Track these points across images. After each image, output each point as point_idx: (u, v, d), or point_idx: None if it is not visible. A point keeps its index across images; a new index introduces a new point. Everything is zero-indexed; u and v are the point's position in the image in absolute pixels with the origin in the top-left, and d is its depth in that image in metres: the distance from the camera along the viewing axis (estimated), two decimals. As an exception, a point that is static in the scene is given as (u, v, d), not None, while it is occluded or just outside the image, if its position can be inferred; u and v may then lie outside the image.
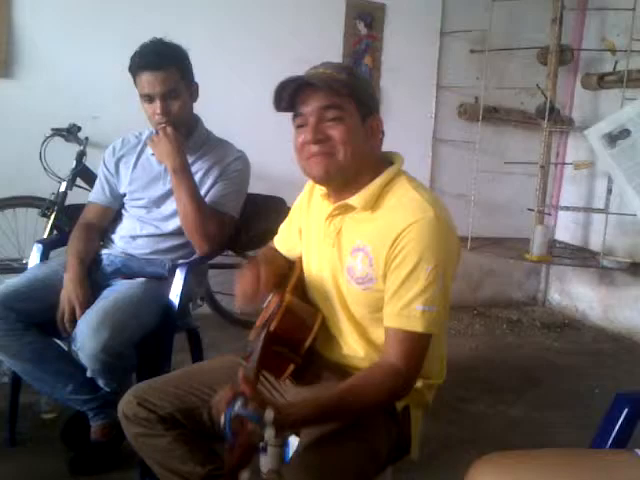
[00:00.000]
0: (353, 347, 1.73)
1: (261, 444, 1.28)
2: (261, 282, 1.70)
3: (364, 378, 1.57)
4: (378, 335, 1.66)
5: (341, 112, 1.60)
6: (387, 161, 1.73)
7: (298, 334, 1.68)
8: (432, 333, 1.56)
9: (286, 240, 2.01)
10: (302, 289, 1.85)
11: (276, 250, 2.04)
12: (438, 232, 1.55)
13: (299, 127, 1.65)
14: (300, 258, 1.92)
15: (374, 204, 1.65)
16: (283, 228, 2.03)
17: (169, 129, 2.46)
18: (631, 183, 1.67)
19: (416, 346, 1.56)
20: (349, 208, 1.68)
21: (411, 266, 1.54)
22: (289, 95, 1.62)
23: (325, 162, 1.62)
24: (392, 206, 1.63)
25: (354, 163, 1.63)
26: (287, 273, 1.89)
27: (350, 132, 1.61)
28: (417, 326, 1.54)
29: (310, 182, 1.90)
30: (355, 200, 1.66)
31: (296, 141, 1.67)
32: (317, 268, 1.80)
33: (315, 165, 1.64)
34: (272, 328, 1.64)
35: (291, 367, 1.67)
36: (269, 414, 1.29)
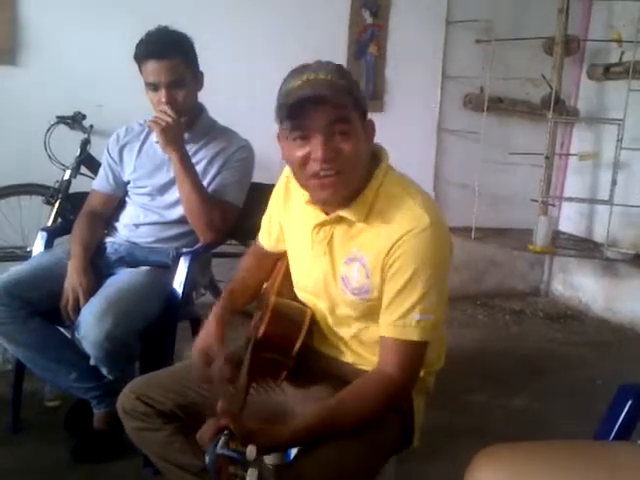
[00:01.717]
0: (345, 345, 1.73)
1: None
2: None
3: (358, 391, 1.56)
4: (368, 334, 1.66)
5: (348, 125, 1.49)
6: (372, 160, 1.62)
7: (287, 337, 1.66)
8: (427, 341, 1.55)
9: (270, 235, 1.93)
10: (289, 287, 1.81)
11: (258, 255, 1.99)
12: (433, 240, 1.51)
13: (298, 139, 1.51)
14: (285, 256, 1.88)
15: (367, 213, 1.57)
16: (265, 222, 1.94)
17: (170, 112, 2.42)
18: None
19: (413, 355, 1.55)
20: (343, 220, 1.60)
21: (407, 276, 1.51)
22: (291, 106, 1.48)
23: (334, 184, 1.51)
24: (385, 213, 1.56)
25: (359, 176, 1.56)
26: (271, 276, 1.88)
27: (358, 146, 1.51)
28: (413, 335, 1.52)
29: (285, 175, 1.82)
30: (351, 214, 1.57)
31: (293, 154, 1.53)
32: (306, 274, 1.74)
33: (323, 189, 1.53)
34: (260, 334, 1.62)
35: (284, 373, 1.67)
36: (251, 452, 1.26)
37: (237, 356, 1.65)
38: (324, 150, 1.47)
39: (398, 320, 1.53)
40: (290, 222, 1.79)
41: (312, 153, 1.49)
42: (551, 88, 4.59)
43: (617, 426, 1.56)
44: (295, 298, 1.78)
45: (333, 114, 1.47)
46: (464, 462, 1.29)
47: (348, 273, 1.61)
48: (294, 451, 1.72)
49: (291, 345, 1.65)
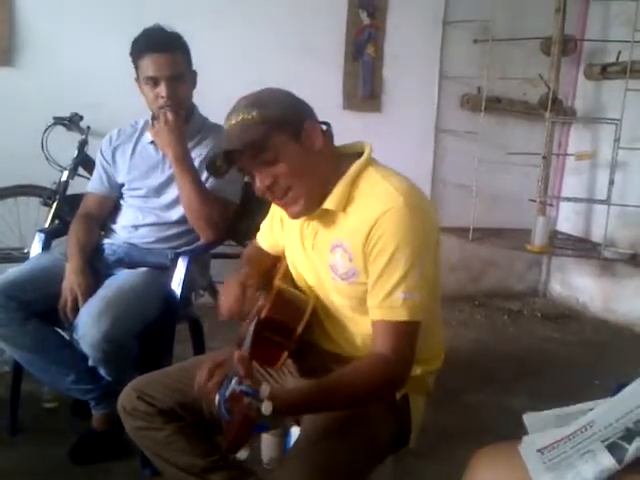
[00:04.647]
0: (349, 339, 1.73)
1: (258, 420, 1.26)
2: (246, 297, 1.70)
3: (353, 367, 1.56)
4: (366, 324, 1.65)
5: (272, 152, 1.57)
6: (354, 153, 1.70)
7: (290, 319, 1.67)
8: (417, 320, 1.55)
9: (269, 234, 1.98)
10: (291, 280, 1.84)
11: (260, 249, 2.02)
12: (410, 218, 1.53)
13: (251, 180, 1.65)
14: (284, 253, 1.91)
15: (346, 203, 1.63)
16: (265, 224, 2.01)
17: (170, 115, 2.45)
18: None
19: (403, 335, 1.54)
20: (325, 212, 1.66)
21: (388, 256, 1.53)
22: (224, 163, 1.65)
23: (290, 203, 1.64)
24: (363, 200, 1.61)
25: (314, 183, 1.63)
26: (273, 271, 1.89)
27: (292, 163, 1.58)
28: (401, 315, 1.53)
29: None
30: (329, 204, 1.64)
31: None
32: (302, 269, 1.80)
33: (286, 209, 1.67)
34: (263, 315, 1.63)
35: (285, 354, 1.67)
36: (265, 388, 1.27)
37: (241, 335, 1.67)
38: (261, 183, 1.60)
39: (384, 301, 1.54)
40: (289, 222, 1.83)
41: (257, 188, 1.62)
42: (548, 88, 4.60)
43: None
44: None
45: (250, 153, 1.57)
46: (462, 462, 1.29)
47: (333, 261, 1.65)
48: (292, 433, 1.72)
49: (293, 328, 1.66)
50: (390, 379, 1.55)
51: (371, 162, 1.68)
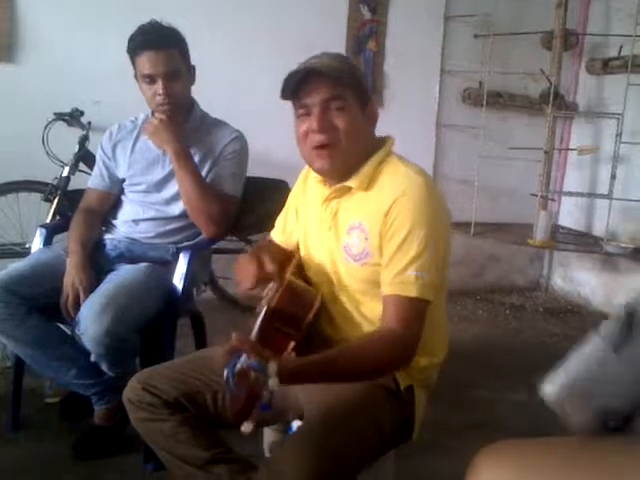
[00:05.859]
0: (355, 327, 1.75)
1: (264, 395, 1.29)
2: (264, 263, 1.71)
3: (362, 339, 1.63)
4: (374, 311, 1.69)
5: (344, 102, 1.66)
6: (378, 144, 1.78)
7: (298, 311, 1.70)
8: (427, 299, 1.59)
9: (283, 228, 2.02)
10: (302, 274, 1.88)
11: (273, 242, 2.05)
12: (427, 201, 1.61)
13: (302, 116, 1.69)
14: (298, 246, 1.94)
15: (368, 184, 1.71)
16: (280, 218, 2.05)
17: (160, 115, 2.46)
18: None
19: (412, 310, 1.58)
20: (346, 190, 1.73)
21: (404, 233, 1.59)
22: (295, 84, 1.65)
23: (330, 155, 1.68)
24: (384, 182, 1.69)
25: (356, 152, 1.71)
26: (284, 260, 1.90)
27: (353, 122, 1.67)
28: (411, 291, 1.57)
29: (305, 169, 1.95)
30: (352, 182, 1.71)
31: (298, 129, 1.71)
32: (315, 251, 1.84)
33: (321, 158, 1.70)
34: (273, 304, 1.66)
35: (292, 344, 1.67)
36: (272, 365, 1.32)
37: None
38: (320, 121, 1.65)
39: (396, 277, 1.59)
40: (305, 208, 1.91)
41: (311, 126, 1.66)
42: (550, 83, 4.59)
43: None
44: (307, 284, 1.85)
45: (328, 91, 1.64)
46: (464, 457, 1.29)
47: (349, 241, 1.71)
48: (294, 427, 1.73)
49: (301, 319, 1.68)
50: (399, 352, 1.58)
51: (393, 152, 1.78)
